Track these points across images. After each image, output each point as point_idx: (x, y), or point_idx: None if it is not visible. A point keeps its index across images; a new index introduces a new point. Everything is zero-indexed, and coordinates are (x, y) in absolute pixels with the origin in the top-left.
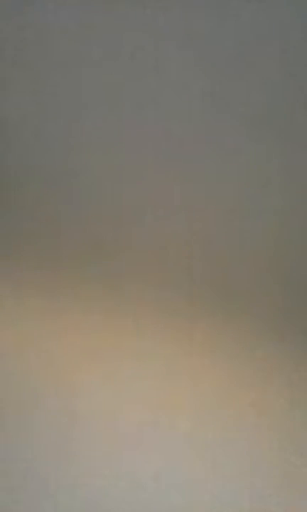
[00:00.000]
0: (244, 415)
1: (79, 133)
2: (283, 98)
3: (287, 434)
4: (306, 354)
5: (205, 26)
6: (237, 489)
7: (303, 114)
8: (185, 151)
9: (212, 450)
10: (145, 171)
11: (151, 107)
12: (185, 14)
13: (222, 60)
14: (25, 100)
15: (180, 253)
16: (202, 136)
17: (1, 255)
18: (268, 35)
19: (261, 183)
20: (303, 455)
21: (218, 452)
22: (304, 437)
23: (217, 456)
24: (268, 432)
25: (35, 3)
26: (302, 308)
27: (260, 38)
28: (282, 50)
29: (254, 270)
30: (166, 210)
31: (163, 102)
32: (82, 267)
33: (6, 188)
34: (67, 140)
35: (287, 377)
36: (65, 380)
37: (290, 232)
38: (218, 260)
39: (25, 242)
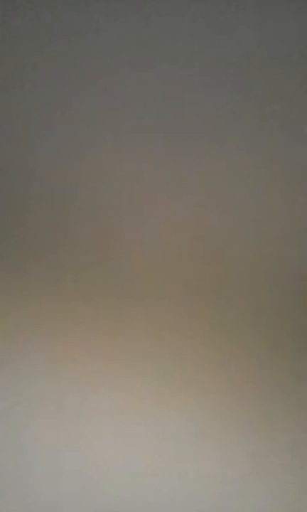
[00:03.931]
0: (246, 424)
1: (80, 143)
2: (286, 103)
3: (289, 438)
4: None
5: (207, 32)
6: (238, 489)
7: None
8: (187, 154)
9: (214, 456)
10: (146, 175)
11: (151, 112)
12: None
13: (224, 64)
14: (25, 99)
15: (184, 266)
16: (204, 139)
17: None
18: (271, 43)
19: (264, 190)
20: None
21: (221, 455)
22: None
23: (220, 459)
24: (269, 435)
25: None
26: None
27: (262, 46)
28: (285, 55)
29: (259, 283)
30: (169, 218)
31: (164, 107)
32: (86, 270)
33: (8, 191)
34: (68, 147)
35: (289, 385)
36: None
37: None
38: (223, 270)
39: (31, 250)
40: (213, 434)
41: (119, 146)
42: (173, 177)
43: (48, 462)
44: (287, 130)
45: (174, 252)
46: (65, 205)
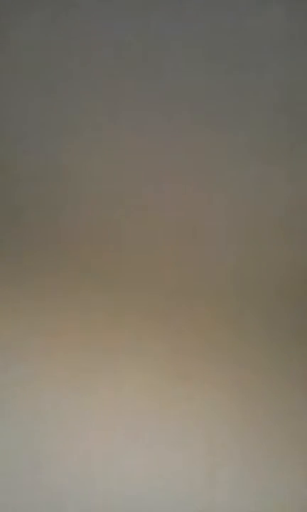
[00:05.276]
0: (244, 424)
1: (79, 143)
2: (288, 107)
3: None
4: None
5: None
6: (234, 488)
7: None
8: (187, 156)
9: (209, 455)
10: (144, 176)
11: (151, 113)
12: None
13: (222, 68)
14: (26, 101)
15: (185, 263)
16: (203, 141)
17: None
18: (270, 46)
19: (265, 190)
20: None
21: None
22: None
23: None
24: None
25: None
26: None
27: (261, 51)
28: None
29: (262, 292)
30: (169, 213)
31: (165, 109)
32: (84, 264)
33: (7, 190)
34: (68, 147)
35: (286, 385)
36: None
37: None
38: (223, 276)
39: (27, 249)
40: (213, 433)
41: (118, 156)
42: (174, 172)
43: (47, 461)
44: (291, 125)
45: (174, 248)
46: (64, 197)
